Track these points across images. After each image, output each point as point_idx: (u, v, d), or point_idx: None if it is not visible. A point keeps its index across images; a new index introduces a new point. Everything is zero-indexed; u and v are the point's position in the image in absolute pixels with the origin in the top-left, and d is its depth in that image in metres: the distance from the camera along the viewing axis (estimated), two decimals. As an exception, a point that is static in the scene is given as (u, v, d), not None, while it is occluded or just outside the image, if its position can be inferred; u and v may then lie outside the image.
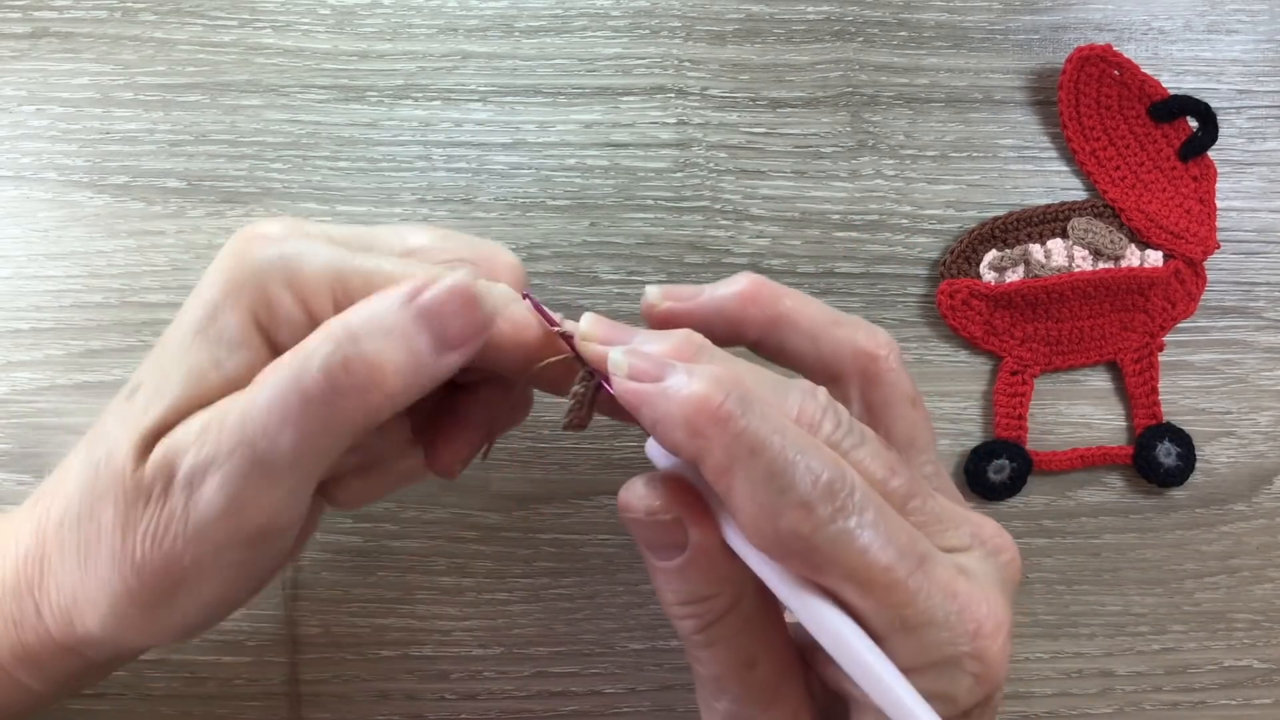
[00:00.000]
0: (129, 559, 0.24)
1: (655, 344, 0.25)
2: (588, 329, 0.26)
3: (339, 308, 0.25)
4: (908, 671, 0.23)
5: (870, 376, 0.28)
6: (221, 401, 0.24)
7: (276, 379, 0.24)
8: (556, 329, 0.26)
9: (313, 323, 0.25)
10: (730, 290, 0.28)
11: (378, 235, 0.28)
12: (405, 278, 0.25)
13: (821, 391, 0.25)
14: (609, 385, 0.25)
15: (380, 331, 0.24)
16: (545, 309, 0.26)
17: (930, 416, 0.29)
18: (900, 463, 0.25)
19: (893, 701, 0.22)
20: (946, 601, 0.23)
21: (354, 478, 0.28)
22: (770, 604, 0.25)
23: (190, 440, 0.24)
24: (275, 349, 0.25)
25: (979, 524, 0.26)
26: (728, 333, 0.28)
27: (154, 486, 0.24)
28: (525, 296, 0.26)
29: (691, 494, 0.24)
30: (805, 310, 0.28)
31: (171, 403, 0.24)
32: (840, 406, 0.25)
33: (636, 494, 0.24)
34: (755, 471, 0.22)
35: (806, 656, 0.26)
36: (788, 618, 0.26)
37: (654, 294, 0.28)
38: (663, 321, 0.28)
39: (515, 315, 0.26)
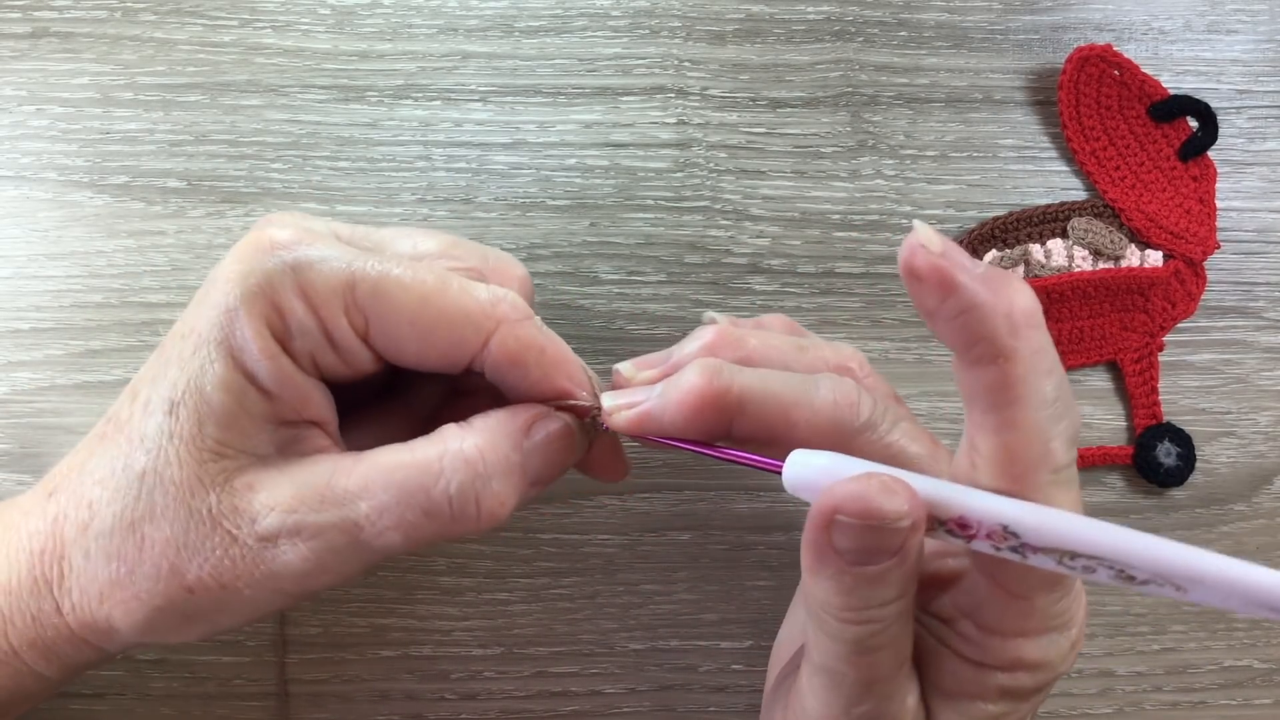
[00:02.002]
0: (180, 580, 0.25)
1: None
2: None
3: (349, 315, 0.25)
4: (1032, 633, 0.24)
5: None
6: (316, 468, 0.25)
7: (402, 484, 0.25)
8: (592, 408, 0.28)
9: (324, 330, 0.25)
10: (695, 346, 0.28)
11: (386, 237, 0.28)
12: (416, 285, 0.25)
13: (847, 380, 0.26)
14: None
15: (504, 470, 0.26)
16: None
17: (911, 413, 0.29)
18: (936, 442, 0.26)
19: (1171, 559, 0.21)
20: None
21: None
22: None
23: (279, 503, 0.24)
24: (292, 356, 0.25)
25: None
26: None
27: (223, 521, 0.24)
28: (594, 416, 0.28)
29: (915, 494, 0.22)
30: (771, 346, 0.29)
31: (221, 422, 0.25)
32: (868, 392, 0.26)
33: (881, 501, 0.22)
34: (1045, 387, 0.22)
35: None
36: None
37: (626, 369, 0.29)
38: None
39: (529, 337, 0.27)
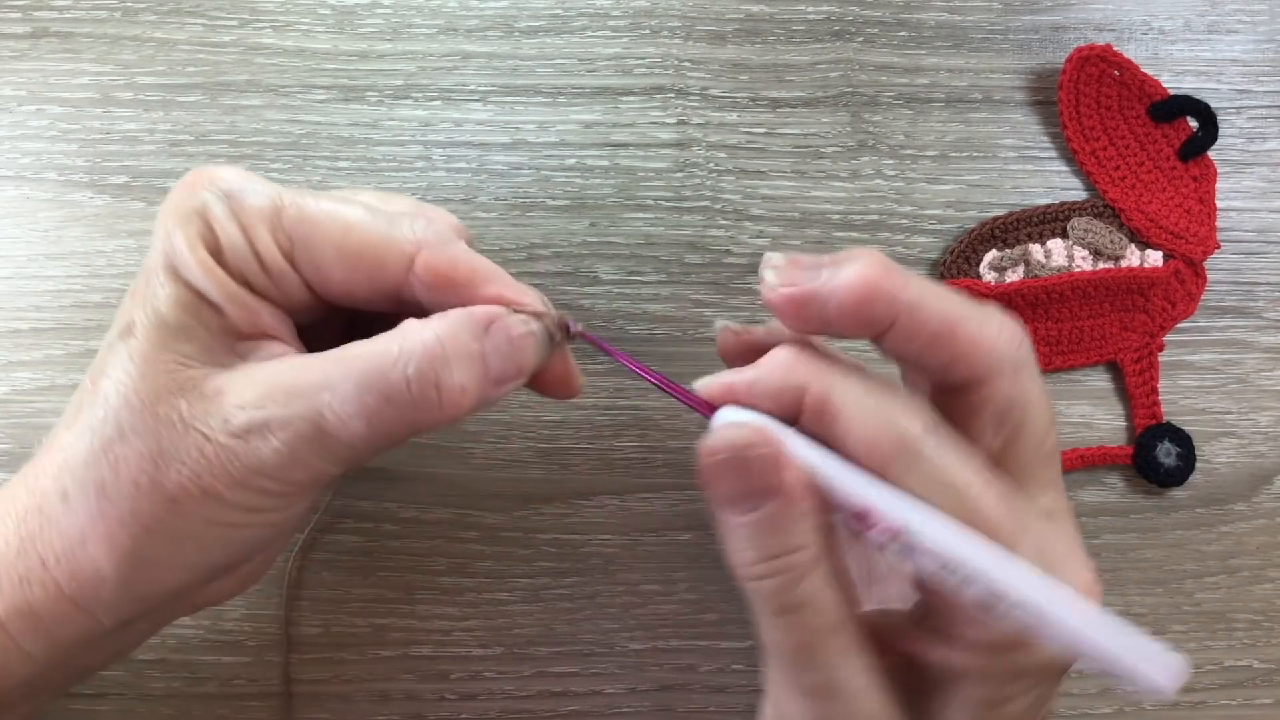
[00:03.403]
0: (161, 491, 0.25)
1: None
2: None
3: (276, 236, 0.26)
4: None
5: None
6: (279, 366, 0.26)
7: (361, 371, 0.25)
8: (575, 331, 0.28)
9: (252, 248, 0.26)
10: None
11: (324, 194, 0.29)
12: (340, 213, 0.26)
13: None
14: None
15: (464, 357, 0.26)
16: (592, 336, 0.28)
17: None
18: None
19: (1033, 593, 0.21)
20: (1051, 542, 0.24)
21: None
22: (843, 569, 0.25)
23: (247, 401, 0.25)
24: (226, 271, 0.26)
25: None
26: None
27: (195, 424, 0.25)
28: (578, 333, 0.28)
29: (777, 434, 0.24)
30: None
31: (180, 336, 0.25)
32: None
33: (727, 433, 0.24)
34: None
35: (891, 631, 0.26)
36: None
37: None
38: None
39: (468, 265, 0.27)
